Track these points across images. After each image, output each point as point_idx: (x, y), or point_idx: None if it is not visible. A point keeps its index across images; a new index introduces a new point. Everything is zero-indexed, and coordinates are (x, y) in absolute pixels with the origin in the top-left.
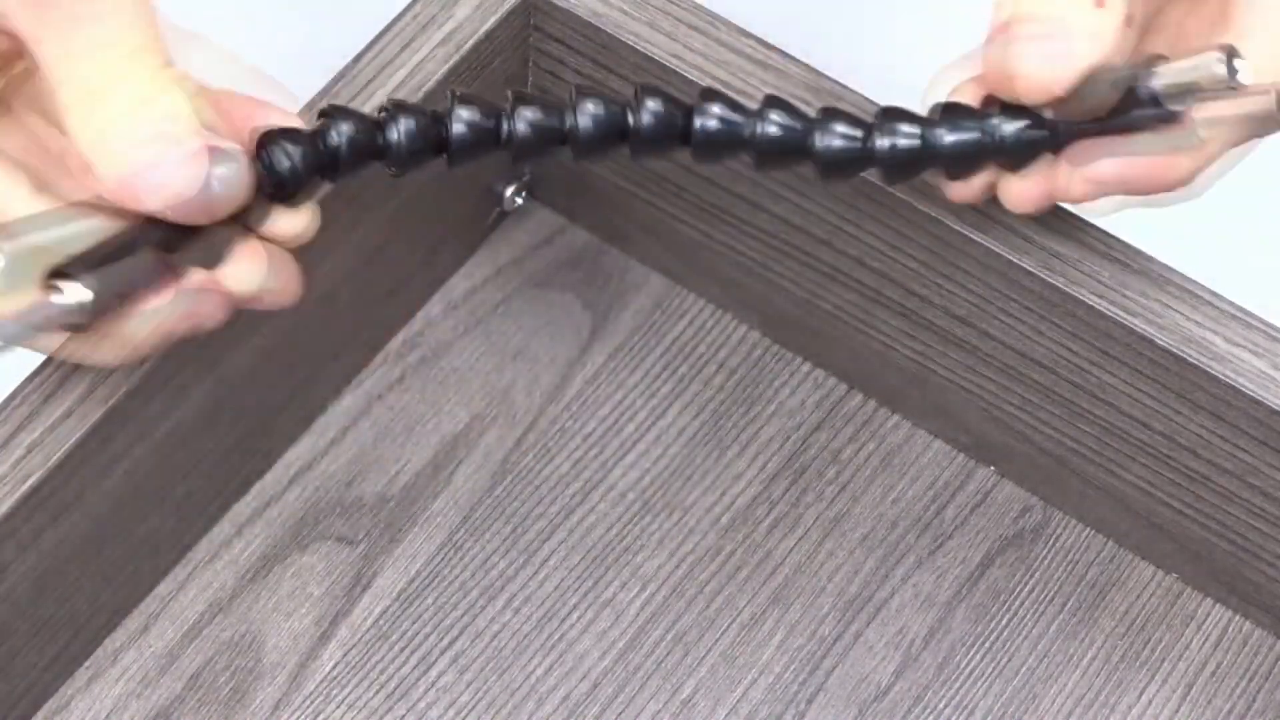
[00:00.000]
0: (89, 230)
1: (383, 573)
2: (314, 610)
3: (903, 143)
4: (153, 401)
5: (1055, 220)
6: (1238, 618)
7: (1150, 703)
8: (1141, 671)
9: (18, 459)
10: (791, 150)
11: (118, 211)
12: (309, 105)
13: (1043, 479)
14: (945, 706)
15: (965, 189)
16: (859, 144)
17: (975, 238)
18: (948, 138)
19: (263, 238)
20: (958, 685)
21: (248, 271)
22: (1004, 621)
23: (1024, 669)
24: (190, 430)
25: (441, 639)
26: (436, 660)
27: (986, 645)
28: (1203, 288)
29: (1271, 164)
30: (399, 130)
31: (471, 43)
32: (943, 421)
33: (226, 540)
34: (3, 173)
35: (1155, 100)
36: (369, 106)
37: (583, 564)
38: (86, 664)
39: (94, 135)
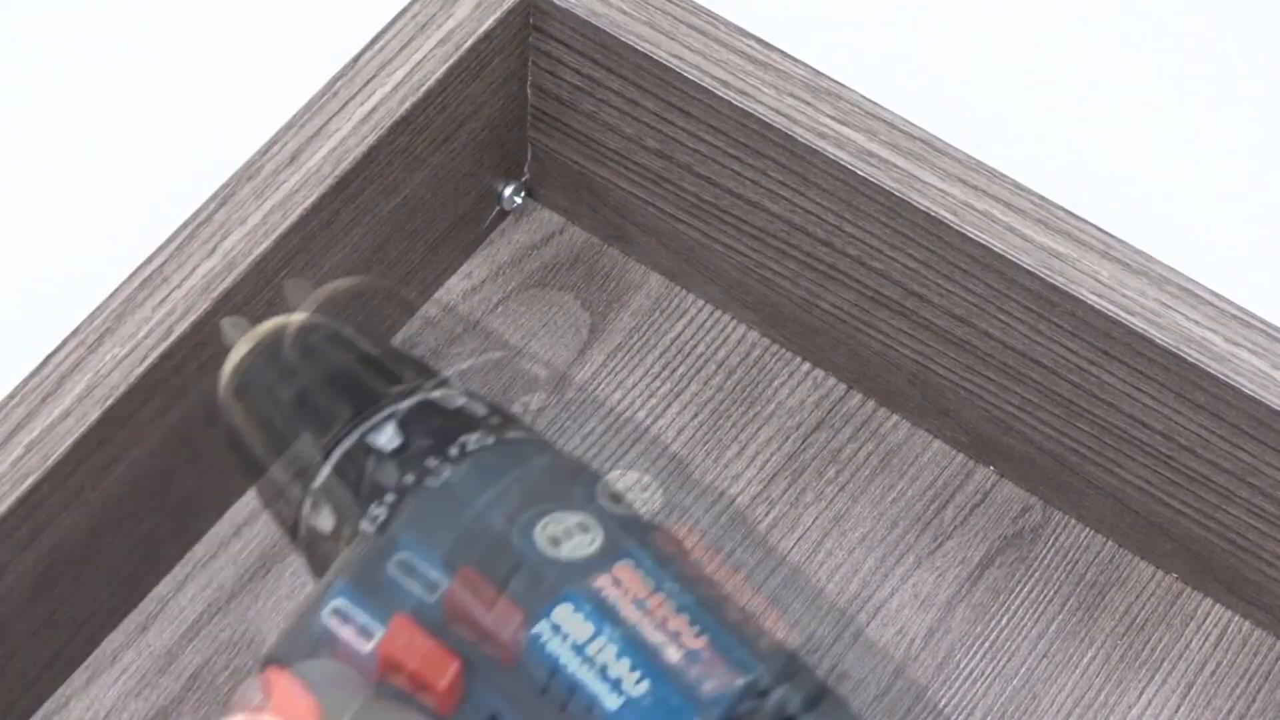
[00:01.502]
0: None
1: None
2: None
3: None
4: (151, 401)
5: (1055, 219)
6: (1238, 618)
7: (1150, 703)
8: (1141, 671)
9: (16, 458)
10: None
11: None
12: (309, 104)
13: (1043, 479)
14: (945, 706)
15: None
16: None
17: (975, 237)
18: None
19: None
20: (958, 685)
21: None
22: (1004, 621)
23: (1024, 669)
24: (189, 429)
25: None
26: None
27: (986, 645)
28: (1203, 287)
29: (1271, 164)
30: None
31: (470, 42)
32: (943, 421)
33: (225, 540)
34: None
35: None
36: (369, 105)
37: None
38: (85, 664)
39: None
